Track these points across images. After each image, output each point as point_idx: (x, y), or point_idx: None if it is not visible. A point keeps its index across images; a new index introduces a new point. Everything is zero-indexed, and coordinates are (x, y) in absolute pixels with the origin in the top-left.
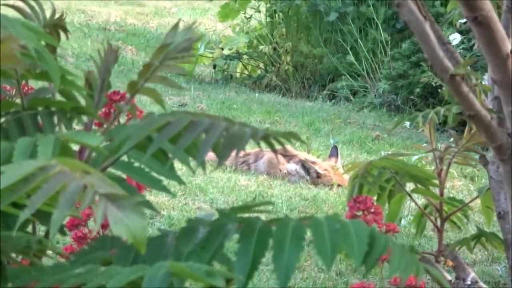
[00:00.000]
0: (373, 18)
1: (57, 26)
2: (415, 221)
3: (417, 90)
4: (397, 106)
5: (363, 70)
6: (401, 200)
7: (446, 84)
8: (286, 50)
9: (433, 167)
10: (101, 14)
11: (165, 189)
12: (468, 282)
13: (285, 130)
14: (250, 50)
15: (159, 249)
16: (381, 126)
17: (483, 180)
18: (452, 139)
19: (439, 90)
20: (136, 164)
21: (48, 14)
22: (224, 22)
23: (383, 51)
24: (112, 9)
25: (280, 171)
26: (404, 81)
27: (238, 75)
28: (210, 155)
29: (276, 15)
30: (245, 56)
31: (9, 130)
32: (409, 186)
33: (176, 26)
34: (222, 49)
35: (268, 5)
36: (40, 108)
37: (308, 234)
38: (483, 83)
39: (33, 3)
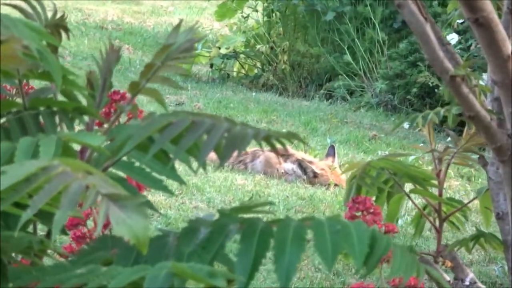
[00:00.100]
0: (370, 18)
1: (58, 26)
2: (414, 221)
3: (414, 90)
4: (394, 106)
5: (360, 69)
6: (400, 200)
7: (445, 85)
8: (283, 49)
9: (429, 167)
10: (98, 13)
11: (166, 190)
12: (467, 283)
13: (281, 129)
14: (247, 49)
15: (160, 249)
16: (378, 126)
17: (480, 180)
18: (449, 138)
19: (436, 90)
20: (137, 164)
21: (49, 14)
22: (221, 21)
23: (380, 51)
24: (109, 8)
25: (277, 170)
26: (401, 81)
27: (235, 74)
28: (210, 155)
29: (273, 14)
30: (242, 55)
31: (11, 130)
32: (407, 186)
33: (178, 26)
34: (219, 48)
35: (265, 4)
36: (41, 108)
37: (309, 234)
38: (481, 83)
39: (35, 3)
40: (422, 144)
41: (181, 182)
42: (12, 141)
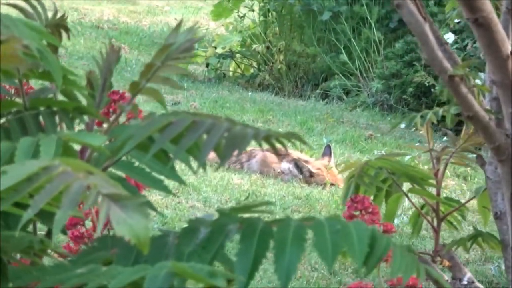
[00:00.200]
0: (367, 18)
1: (58, 25)
2: (411, 221)
3: (410, 89)
4: (390, 106)
5: (356, 69)
6: (398, 200)
7: (441, 85)
8: (279, 49)
9: (425, 167)
10: (94, 12)
11: (166, 189)
12: (465, 282)
13: (277, 129)
14: (243, 49)
15: (160, 249)
16: (374, 126)
17: (476, 179)
18: (445, 138)
19: (432, 89)
20: (137, 164)
21: (49, 14)
22: (217, 20)
23: (376, 51)
24: (105, 7)
25: (274, 170)
26: (397, 80)
27: (231, 73)
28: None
29: (270, 14)
30: (238, 55)
31: (11, 130)
32: (405, 186)
33: (178, 26)
34: (215, 47)
35: (262, 4)
36: (42, 108)
37: (309, 234)
38: (477, 82)
39: (35, 3)
40: (418, 144)
41: (181, 182)
42: (12, 141)
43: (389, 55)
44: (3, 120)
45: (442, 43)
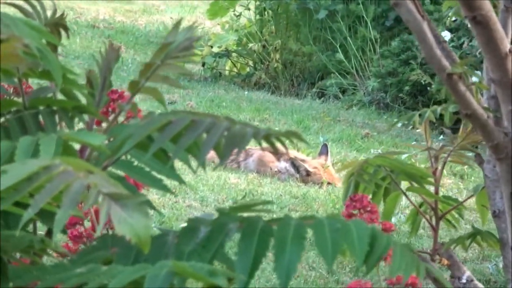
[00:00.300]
0: (363, 16)
1: (58, 25)
2: (409, 219)
3: (406, 88)
4: (386, 104)
5: (352, 68)
6: (396, 198)
7: (438, 83)
8: (275, 47)
9: (422, 166)
10: (90, 12)
11: (165, 189)
12: (464, 281)
13: (274, 128)
14: (239, 48)
15: (160, 248)
16: (371, 124)
17: (473, 178)
18: (442, 136)
19: (428, 88)
20: (136, 163)
21: (48, 13)
22: (213, 19)
23: (372, 49)
24: (101, 7)
25: (270, 169)
26: (393, 79)
27: (227, 72)
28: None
29: (266, 12)
30: (234, 54)
31: (11, 129)
32: (403, 185)
33: (177, 25)
34: (211, 46)
35: (258, 2)
36: (41, 107)
37: (309, 233)
38: (474, 79)
39: (35, 2)
40: (414, 142)
41: (181, 181)
42: (12, 141)
43: (385, 54)
44: (2, 119)
45: (440, 41)
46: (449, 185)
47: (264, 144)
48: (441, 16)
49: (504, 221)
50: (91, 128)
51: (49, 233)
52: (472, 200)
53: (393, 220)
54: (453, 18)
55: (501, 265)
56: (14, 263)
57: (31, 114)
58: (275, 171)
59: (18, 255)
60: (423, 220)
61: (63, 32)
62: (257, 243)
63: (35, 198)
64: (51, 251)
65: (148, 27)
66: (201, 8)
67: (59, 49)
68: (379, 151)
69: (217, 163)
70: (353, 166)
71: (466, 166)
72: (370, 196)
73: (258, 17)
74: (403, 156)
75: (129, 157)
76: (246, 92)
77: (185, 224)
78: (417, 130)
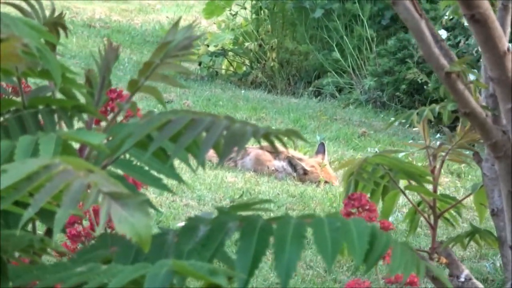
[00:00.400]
0: (359, 15)
1: (56, 24)
2: (408, 218)
3: (403, 86)
4: (383, 103)
5: (348, 66)
6: (395, 197)
7: (434, 82)
8: (272, 46)
9: (419, 164)
10: (86, 11)
11: (165, 188)
12: (462, 279)
13: (271, 127)
14: (236, 47)
15: (160, 247)
16: (367, 123)
17: (470, 176)
18: (438, 135)
19: (425, 86)
20: (136, 162)
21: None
22: (210, 19)
23: (368, 48)
24: (97, 6)
25: (267, 168)
26: (390, 77)
27: (223, 71)
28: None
29: (262, 11)
30: (230, 53)
31: (10, 129)
32: (401, 184)
33: (176, 24)
34: (208, 46)
35: (254, 1)
36: (40, 107)
37: (308, 232)
38: (471, 77)
39: (33, 2)
40: (411, 141)
41: (180, 180)
42: (11, 140)
43: (381, 52)
44: (2, 119)
45: (438, 40)
46: (446, 183)
47: (262, 143)
48: (438, 14)
49: (502, 219)
50: (90, 127)
51: (49, 232)
52: (470, 199)
53: (391, 218)
54: (450, 17)
55: (498, 264)
56: (13, 263)
57: (30, 113)
58: (272, 170)
59: (17, 254)
60: (421, 218)
61: (61, 32)
62: (257, 241)
63: (35, 198)
64: (51, 250)
65: (144, 26)
66: (197, 8)
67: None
68: (376, 149)
69: (216, 162)
70: (352, 165)
71: (463, 165)
72: (369, 195)
73: (254, 16)
74: (400, 155)
75: (128, 156)
76: (242, 91)
77: (183, 223)
78: (414, 129)
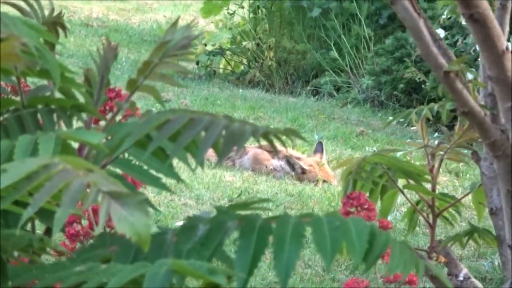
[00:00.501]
0: (356, 14)
1: (55, 23)
2: (406, 217)
3: (401, 85)
4: (381, 102)
5: (346, 65)
6: (393, 196)
7: (432, 81)
8: (269, 46)
9: (417, 163)
10: (83, 10)
11: (164, 187)
12: (461, 278)
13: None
14: (234, 46)
15: (159, 246)
16: (365, 122)
17: (468, 175)
18: (436, 134)
19: (422, 85)
20: (135, 162)
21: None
22: (207, 18)
23: (366, 47)
24: (94, 5)
25: (266, 167)
26: (388, 76)
27: (221, 71)
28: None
29: (259, 10)
30: (228, 52)
31: (9, 128)
32: (399, 182)
33: (175, 23)
34: (205, 45)
35: (251, 0)
36: (40, 106)
37: (307, 231)
38: (469, 76)
39: (32, 2)
40: (409, 140)
41: (179, 179)
42: (11, 139)
43: (379, 51)
44: (1, 118)
45: (436, 39)
46: (444, 182)
47: (261, 142)
48: (435, 14)
49: (501, 218)
50: (89, 126)
51: (48, 231)
52: (468, 198)
53: (389, 218)
54: (448, 16)
55: (497, 263)
56: (13, 262)
57: (29, 113)
58: (271, 169)
59: (16, 253)
60: (419, 217)
61: (60, 31)
62: (256, 240)
63: (35, 197)
64: (50, 249)
65: (141, 26)
66: (194, 7)
67: None
68: (374, 148)
69: (215, 161)
70: (350, 164)
71: (461, 164)
72: (367, 194)
73: (251, 15)
74: (399, 154)
75: (127, 155)
76: (240, 90)
77: (181, 222)
78: (412, 128)
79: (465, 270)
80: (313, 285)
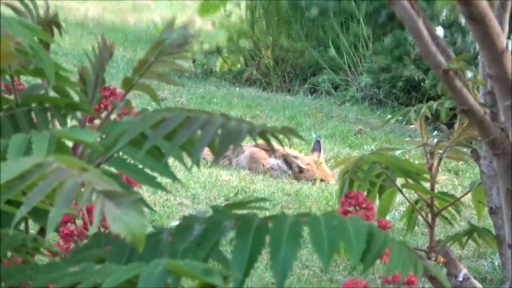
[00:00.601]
0: (354, 13)
1: (50, 23)
2: (405, 216)
3: (400, 84)
4: (380, 100)
5: (344, 63)
6: (392, 195)
7: (431, 79)
8: (267, 44)
9: (416, 162)
10: (79, 10)
11: (159, 186)
12: (460, 279)
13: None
14: (230, 44)
15: (154, 246)
16: (364, 120)
17: (467, 174)
18: (435, 132)
19: (421, 84)
20: (130, 161)
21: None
22: (204, 17)
23: (364, 45)
24: (90, 5)
25: (262, 165)
26: (387, 74)
27: (218, 69)
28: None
29: (257, 10)
30: (225, 50)
31: (3, 127)
32: (398, 182)
33: (172, 22)
34: (202, 43)
35: (249, 1)
36: (33, 105)
37: (304, 231)
38: (469, 74)
39: (28, 1)
40: (408, 138)
41: (174, 178)
42: (4, 138)
43: (378, 50)
44: None
45: (434, 37)
46: (443, 181)
47: (257, 141)
48: (434, 12)
49: (501, 217)
50: (84, 125)
51: (41, 231)
52: (468, 197)
53: (388, 217)
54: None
55: (497, 263)
56: (6, 262)
57: (23, 111)
58: (267, 168)
59: (9, 254)
60: (418, 217)
61: (55, 30)
62: (253, 240)
63: (28, 196)
64: (44, 249)
65: (137, 25)
66: (191, 7)
67: None
68: (373, 147)
69: (211, 160)
70: (347, 163)
71: (460, 162)
72: (365, 193)
73: (249, 14)
74: (397, 152)
75: (122, 154)
76: (237, 89)
77: (177, 222)
78: (411, 126)
79: (464, 270)
80: (311, 285)
